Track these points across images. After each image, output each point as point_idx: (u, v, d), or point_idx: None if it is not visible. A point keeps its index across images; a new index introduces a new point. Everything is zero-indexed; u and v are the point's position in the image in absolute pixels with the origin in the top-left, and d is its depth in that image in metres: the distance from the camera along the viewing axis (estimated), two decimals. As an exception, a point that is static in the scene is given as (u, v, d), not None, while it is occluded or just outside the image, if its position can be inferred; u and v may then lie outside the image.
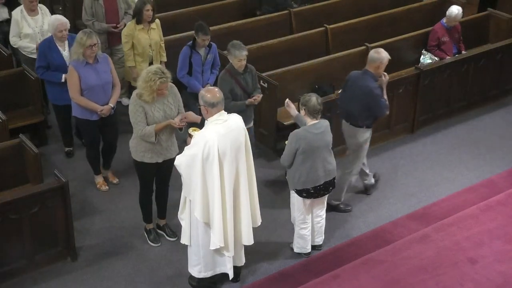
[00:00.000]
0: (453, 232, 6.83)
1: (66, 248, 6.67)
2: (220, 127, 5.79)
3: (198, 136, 5.81)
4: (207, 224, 5.94)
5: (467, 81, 9.30)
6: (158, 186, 6.88)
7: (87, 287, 6.48)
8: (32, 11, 8.15)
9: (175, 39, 8.92)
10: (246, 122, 7.12)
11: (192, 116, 6.50)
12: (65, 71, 7.34)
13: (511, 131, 9.08)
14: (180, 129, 6.55)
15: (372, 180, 7.80)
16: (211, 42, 7.81)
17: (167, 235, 7.03)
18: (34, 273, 6.53)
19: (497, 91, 9.74)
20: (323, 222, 6.82)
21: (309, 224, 6.70)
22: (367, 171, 7.73)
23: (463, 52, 9.62)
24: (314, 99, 6.36)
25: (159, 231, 7.09)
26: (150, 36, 8.24)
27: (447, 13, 9.41)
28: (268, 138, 8.40)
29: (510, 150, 8.67)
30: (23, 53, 8.27)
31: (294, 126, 7.52)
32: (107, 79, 7.15)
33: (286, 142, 6.47)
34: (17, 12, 8.15)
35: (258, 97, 7.27)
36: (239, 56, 7.07)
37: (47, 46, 7.57)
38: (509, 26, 10.20)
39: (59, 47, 7.58)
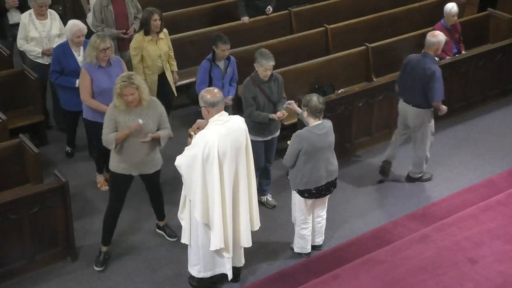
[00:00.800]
0: (453, 232, 6.83)
1: (66, 248, 6.67)
2: (221, 127, 5.79)
3: (198, 137, 5.81)
4: (207, 225, 5.94)
5: (467, 81, 9.29)
6: (149, 192, 6.83)
7: (87, 287, 6.48)
8: (41, 15, 8.10)
9: (175, 39, 8.91)
10: (273, 130, 7.20)
11: (203, 123, 6.31)
12: (79, 76, 7.26)
13: (511, 131, 9.08)
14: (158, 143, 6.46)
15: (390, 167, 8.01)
16: (229, 55, 7.62)
17: (167, 235, 7.03)
18: (34, 273, 6.54)
19: (497, 91, 9.73)
20: (324, 222, 6.82)
21: (310, 224, 6.71)
22: (395, 155, 7.96)
23: (463, 52, 9.62)
24: (315, 98, 6.36)
25: (158, 230, 7.08)
26: (159, 46, 8.00)
27: (444, 12, 9.44)
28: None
29: (510, 150, 8.67)
30: (29, 56, 8.22)
31: (295, 126, 7.54)
32: None
33: (289, 142, 6.47)
34: (26, 16, 8.11)
35: (283, 114, 7.01)
36: (265, 66, 6.89)
37: (62, 51, 7.53)
38: (509, 26, 10.20)
39: (74, 52, 7.53)
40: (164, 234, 7.04)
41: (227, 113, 5.92)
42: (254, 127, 7.00)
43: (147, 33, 7.89)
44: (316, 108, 6.33)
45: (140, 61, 7.95)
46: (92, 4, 8.86)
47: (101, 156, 7.46)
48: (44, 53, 8.10)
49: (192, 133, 6.02)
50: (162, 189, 6.94)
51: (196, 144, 5.75)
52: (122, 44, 8.59)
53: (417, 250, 6.58)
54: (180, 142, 6.88)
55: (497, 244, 6.68)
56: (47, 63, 8.07)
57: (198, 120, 6.25)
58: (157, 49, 7.96)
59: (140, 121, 6.18)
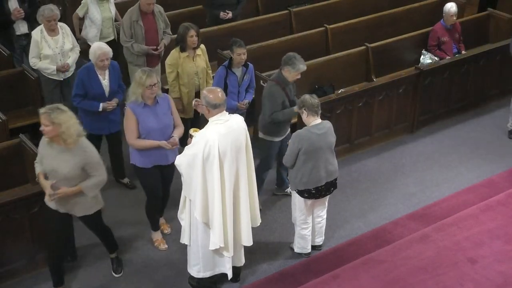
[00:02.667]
0: (453, 232, 6.83)
1: (66, 248, 6.66)
2: (221, 126, 5.79)
3: (198, 136, 5.81)
4: (207, 225, 5.94)
5: (467, 81, 9.29)
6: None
7: (87, 287, 6.47)
8: (52, 31, 7.80)
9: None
10: (287, 127, 7.21)
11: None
12: (103, 100, 7.08)
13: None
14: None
15: None
16: (248, 63, 7.44)
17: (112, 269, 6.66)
18: (34, 273, 6.54)
19: (497, 91, 9.73)
20: (324, 222, 6.83)
21: (310, 224, 6.71)
22: None
23: (463, 52, 9.62)
24: (307, 96, 6.38)
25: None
26: (196, 63, 7.65)
27: (443, 11, 9.44)
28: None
29: (510, 150, 8.67)
30: (43, 73, 7.96)
31: (295, 126, 7.54)
32: (167, 122, 6.46)
33: (289, 142, 6.48)
34: (37, 32, 7.80)
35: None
36: (301, 70, 6.91)
37: (86, 74, 7.07)
38: (509, 26, 10.19)
39: (99, 75, 7.10)
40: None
41: (227, 113, 5.92)
42: (274, 128, 7.04)
43: (183, 49, 7.58)
44: (312, 104, 6.33)
45: (175, 78, 7.62)
46: (87, 22, 8.74)
47: (154, 212, 6.85)
48: (59, 70, 7.90)
49: (193, 133, 6.02)
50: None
51: (196, 143, 5.76)
52: (151, 60, 8.30)
53: (417, 250, 6.58)
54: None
55: (497, 244, 6.68)
56: (62, 79, 7.97)
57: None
58: (193, 66, 7.63)
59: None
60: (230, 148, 5.79)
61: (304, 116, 6.42)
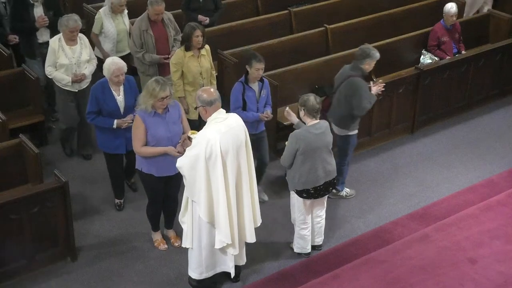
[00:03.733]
0: (453, 232, 6.84)
1: (66, 248, 6.67)
2: (221, 125, 5.80)
3: (199, 136, 5.81)
4: (212, 224, 5.93)
5: (467, 81, 9.29)
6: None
7: (87, 287, 6.48)
8: (71, 41, 7.60)
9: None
10: None
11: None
12: (118, 117, 6.86)
13: (511, 131, 9.08)
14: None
15: None
16: (263, 77, 7.23)
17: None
18: (34, 273, 6.53)
19: (497, 91, 9.74)
20: (323, 222, 6.83)
21: (309, 224, 6.71)
22: None
23: (463, 52, 9.62)
24: (312, 98, 6.37)
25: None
26: (201, 63, 7.60)
27: (443, 11, 9.44)
28: (268, 138, 8.38)
29: (510, 150, 8.67)
30: (58, 84, 7.77)
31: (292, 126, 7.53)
32: (177, 131, 6.35)
33: (286, 142, 6.48)
34: (55, 41, 7.62)
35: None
36: (374, 60, 7.30)
37: (101, 90, 6.82)
38: (509, 26, 10.20)
39: (113, 91, 6.85)
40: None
41: (224, 111, 5.92)
42: (352, 122, 7.34)
43: (188, 48, 7.54)
44: (313, 108, 6.34)
45: (180, 77, 7.59)
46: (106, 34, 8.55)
47: (154, 214, 6.82)
48: (74, 81, 7.68)
49: (192, 135, 6.03)
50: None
51: (198, 144, 5.75)
52: (162, 69, 8.17)
53: (417, 250, 6.58)
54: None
55: (497, 244, 6.68)
56: (76, 90, 7.76)
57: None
58: (198, 65, 7.58)
59: None
60: (231, 146, 5.80)
61: (302, 114, 6.44)
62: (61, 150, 8.32)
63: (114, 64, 6.72)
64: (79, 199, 7.50)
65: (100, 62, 7.89)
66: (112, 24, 8.54)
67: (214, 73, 7.90)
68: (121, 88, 6.88)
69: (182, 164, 5.85)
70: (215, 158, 5.71)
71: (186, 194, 6.00)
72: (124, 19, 8.66)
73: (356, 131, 7.47)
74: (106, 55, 8.32)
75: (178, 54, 7.60)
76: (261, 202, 7.19)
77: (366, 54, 7.22)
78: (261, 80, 7.22)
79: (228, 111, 6.21)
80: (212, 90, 5.89)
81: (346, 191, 7.73)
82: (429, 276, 6.26)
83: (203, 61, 7.65)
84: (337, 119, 7.37)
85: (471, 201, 7.57)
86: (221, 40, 9.04)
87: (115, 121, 6.84)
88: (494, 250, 6.60)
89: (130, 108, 6.87)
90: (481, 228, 6.89)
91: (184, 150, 6.04)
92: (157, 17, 8.06)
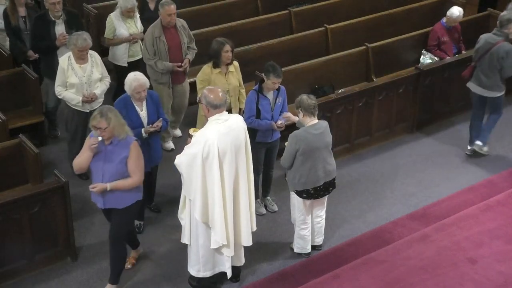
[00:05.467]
0: (453, 232, 6.83)
1: (66, 248, 6.67)
2: (221, 126, 5.80)
3: (198, 135, 5.81)
4: (207, 224, 5.94)
5: (467, 81, 9.27)
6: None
7: (87, 287, 6.48)
8: (81, 59, 7.30)
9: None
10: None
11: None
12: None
13: (511, 131, 9.07)
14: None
15: None
16: (280, 85, 6.95)
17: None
18: (34, 273, 6.54)
19: (497, 91, 9.73)
20: (323, 222, 6.83)
21: (309, 224, 6.71)
22: None
23: (463, 52, 9.62)
24: (305, 97, 6.38)
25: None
26: (228, 80, 7.34)
27: (448, 13, 9.42)
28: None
29: (510, 150, 8.68)
30: (69, 105, 7.47)
31: (294, 126, 7.53)
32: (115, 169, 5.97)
33: (286, 143, 6.48)
34: (64, 60, 7.30)
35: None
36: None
37: (123, 106, 6.61)
38: (509, 26, 10.18)
39: (136, 106, 6.68)
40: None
41: (226, 112, 5.92)
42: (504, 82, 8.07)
43: (216, 65, 7.27)
44: (309, 105, 6.33)
45: None
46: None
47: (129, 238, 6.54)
48: (84, 101, 7.37)
49: (192, 133, 6.03)
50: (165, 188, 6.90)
51: (196, 143, 5.76)
52: (176, 78, 7.98)
53: (417, 250, 6.58)
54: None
55: (497, 244, 6.68)
56: (88, 110, 7.37)
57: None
58: (225, 83, 7.30)
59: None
60: (229, 147, 5.80)
61: (300, 116, 6.43)
62: (61, 150, 8.31)
63: (136, 80, 6.55)
64: (79, 199, 7.50)
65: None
66: (125, 27, 8.38)
67: (243, 91, 7.60)
68: (144, 103, 6.73)
69: (180, 161, 5.86)
70: (212, 158, 5.71)
71: (183, 192, 6.01)
72: (136, 23, 8.51)
73: (504, 91, 8.22)
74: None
75: (205, 71, 7.33)
76: (259, 214, 7.22)
77: (508, 20, 8.04)
78: (277, 88, 6.96)
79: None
80: (220, 93, 5.84)
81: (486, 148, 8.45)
82: (429, 276, 6.26)
83: (230, 78, 7.40)
84: (490, 83, 8.12)
85: (471, 201, 7.57)
86: (221, 40, 9.04)
87: (142, 129, 6.63)
88: (494, 250, 6.60)
89: (153, 123, 6.74)
90: (481, 228, 6.89)
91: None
92: (169, 19, 7.80)
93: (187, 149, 5.85)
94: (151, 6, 8.94)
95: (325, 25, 9.76)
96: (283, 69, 8.52)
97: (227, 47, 7.22)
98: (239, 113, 7.34)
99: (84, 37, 7.22)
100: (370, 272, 6.32)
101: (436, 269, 6.33)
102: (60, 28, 7.99)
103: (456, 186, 7.95)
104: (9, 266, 6.39)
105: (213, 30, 9.31)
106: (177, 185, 6.49)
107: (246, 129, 6.04)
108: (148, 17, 8.72)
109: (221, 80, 7.29)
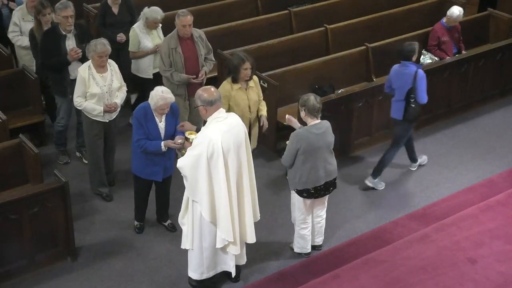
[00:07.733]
0: (453, 232, 6.84)
1: (66, 248, 6.67)
2: (222, 124, 5.81)
3: (201, 136, 5.81)
4: (213, 224, 5.93)
5: (467, 81, 9.30)
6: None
7: (87, 287, 6.48)
8: (101, 67, 7.06)
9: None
10: None
11: (188, 125, 6.43)
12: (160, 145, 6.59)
13: (511, 131, 9.08)
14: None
15: None
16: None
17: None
18: (34, 273, 6.53)
19: (497, 91, 9.74)
20: (323, 222, 6.83)
21: (309, 224, 6.71)
22: None
23: (463, 52, 9.62)
24: (312, 98, 6.37)
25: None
26: (249, 96, 7.22)
27: (448, 13, 9.42)
28: (268, 138, 8.39)
29: (510, 150, 8.68)
30: (87, 115, 7.21)
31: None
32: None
33: (287, 142, 6.48)
34: (85, 69, 7.04)
35: None
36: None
37: (143, 114, 6.53)
38: (509, 26, 10.20)
39: (156, 117, 6.58)
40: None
41: (224, 110, 5.93)
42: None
43: (235, 80, 7.16)
44: (313, 108, 6.33)
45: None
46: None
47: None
48: (106, 111, 7.17)
49: (189, 136, 6.02)
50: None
51: (200, 144, 5.75)
52: (192, 90, 7.53)
53: (417, 250, 6.58)
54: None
55: (497, 244, 6.68)
56: (107, 121, 7.26)
57: (186, 123, 6.44)
58: (246, 98, 7.20)
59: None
60: (232, 144, 5.81)
61: (302, 115, 6.43)
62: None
63: (162, 99, 6.45)
64: (79, 199, 7.50)
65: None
66: (149, 39, 8.24)
67: (264, 102, 7.51)
68: (164, 116, 6.66)
69: (184, 164, 5.84)
70: (217, 157, 5.71)
71: (187, 194, 6.00)
72: (159, 33, 8.39)
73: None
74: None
75: (224, 87, 7.18)
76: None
77: None
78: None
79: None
80: (212, 89, 5.89)
81: None
82: (429, 276, 6.26)
83: (251, 94, 7.28)
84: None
85: (471, 201, 7.57)
86: (221, 40, 9.04)
87: (162, 143, 6.54)
88: (494, 250, 6.60)
89: (171, 135, 6.67)
90: (481, 228, 6.89)
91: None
92: (185, 30, 7.59)
93: (190, 151, 5.84)
94: (115, 10, 8.68)
95: (325, 25, 9.76)
96: (283, 69, 8.63)
97: (247, 65, 7.09)
98: (260, 120, 7.43)
99: (103, 42, 7.02)
100: (370, 272, 6.32)
101: (436, 269, 6.33)
102: (70, 43, 7.62)
103: (456, 186, 7.95)
104: (9, 266, 6.39)
105: (213, 30, 9.31)
106: (179, 189, 6.49)
107: (245, 126, 6.05)
108: (111, 22, 8.61)
109: (242, 96, 7.20)
